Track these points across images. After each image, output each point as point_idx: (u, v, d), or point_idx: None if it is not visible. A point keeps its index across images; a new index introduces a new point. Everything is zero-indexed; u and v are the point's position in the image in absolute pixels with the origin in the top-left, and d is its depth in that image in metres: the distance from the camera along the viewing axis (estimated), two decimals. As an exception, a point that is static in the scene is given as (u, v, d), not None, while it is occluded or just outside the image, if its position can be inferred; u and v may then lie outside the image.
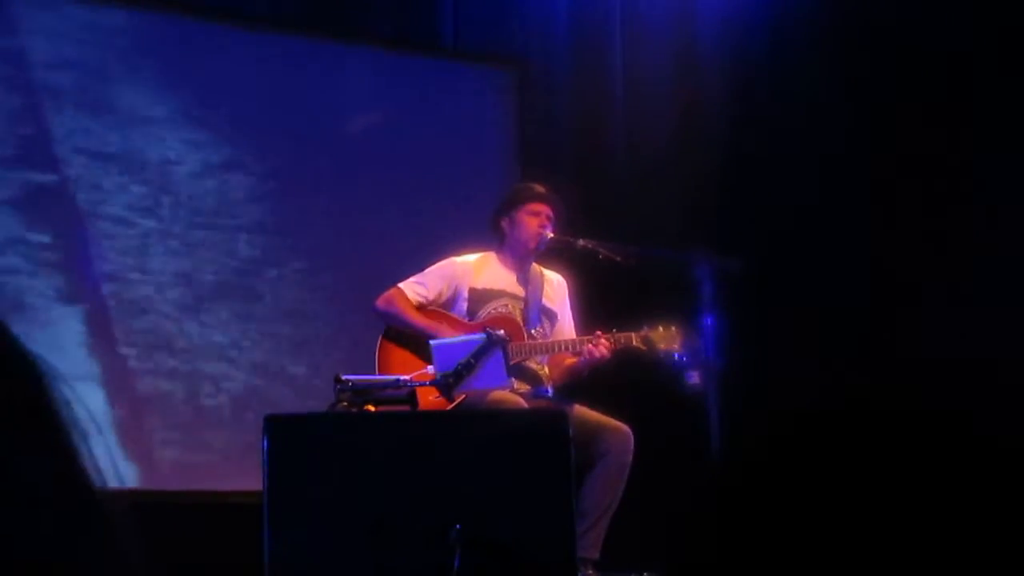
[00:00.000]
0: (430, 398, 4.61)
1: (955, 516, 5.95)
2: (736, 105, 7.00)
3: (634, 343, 5.01)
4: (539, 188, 5.25)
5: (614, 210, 6.70)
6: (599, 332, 5.01)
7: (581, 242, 5.14)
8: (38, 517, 0.78)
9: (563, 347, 5.10)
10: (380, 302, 5.13)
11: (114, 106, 6.06)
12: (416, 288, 5.12)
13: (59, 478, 0.81)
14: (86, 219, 5.93)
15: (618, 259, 5.13)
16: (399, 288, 5.13)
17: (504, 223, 5.24)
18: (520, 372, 5.03)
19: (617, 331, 5.02)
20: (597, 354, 4.94)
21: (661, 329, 5.02)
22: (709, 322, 4.85)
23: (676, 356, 4.96)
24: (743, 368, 5.50)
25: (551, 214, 5.18)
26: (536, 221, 5.16)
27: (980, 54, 6.13)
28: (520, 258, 5.23)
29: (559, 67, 7.15)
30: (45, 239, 5.83)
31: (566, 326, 5.29)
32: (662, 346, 4.99)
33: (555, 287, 5.32)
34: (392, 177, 6.69)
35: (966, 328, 5.93)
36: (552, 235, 5.15)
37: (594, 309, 5.56)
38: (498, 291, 5.16)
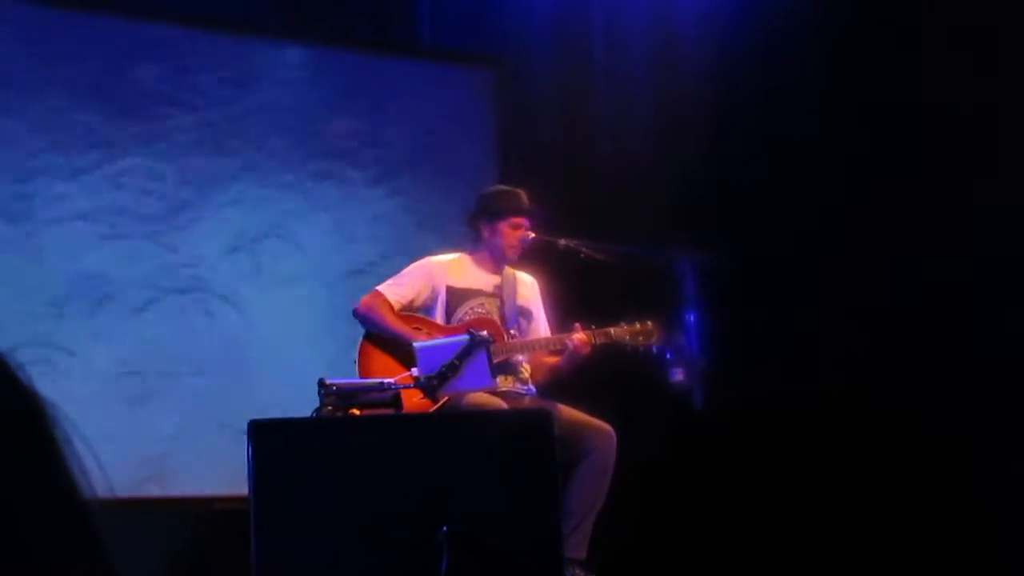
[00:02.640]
0: (415, 400, 4.61)
1: (946, 514, 5.98)
2: (717, 102, 7.01)
3: (613, 337, 5.04)
4: (524, 201, 5.25)
5: (596, 209, 6.70)
6: (578, 325, 5.04)
7: (563, 242, 5.15)
8: (32, 531, 0.78)
9: (544, 344, 5.12)
10: (361, 307, 5.13)
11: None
12: (395, 290, 5.13)
13: (52, 492, 0.81)
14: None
15: (600, 258, 5.15)
16: (379, 291, 5.13)
17: (485, 228, 5.24)
18: (503, 370, 5.04)
19: (596, 327, 5.05)
20: (576, 347, 4.97)
21: (637, 325, 5.05)
22: (692, 319, 4.86)
23: (654, 351, 4.98)
24: (726, 365, 5.51)
25: (530, 227, 5.20)
26: (517, 234, 5.18)
27: (967, 52, 6.15)
28: (496, 262, 5.25)
29: (539, 66, 7.15)
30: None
31: (541, 324, 5.32)
32: (640, 340, 5.02)
33: (528, 287, 5.34)
34: (372, 178, 6.69)
35: (952, 325, 5.96)
36: (534, 235, 5.16)
37: (577, 308, 5.56)
38: (475, 290, 5.18)
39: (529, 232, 5.18)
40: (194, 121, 6.30)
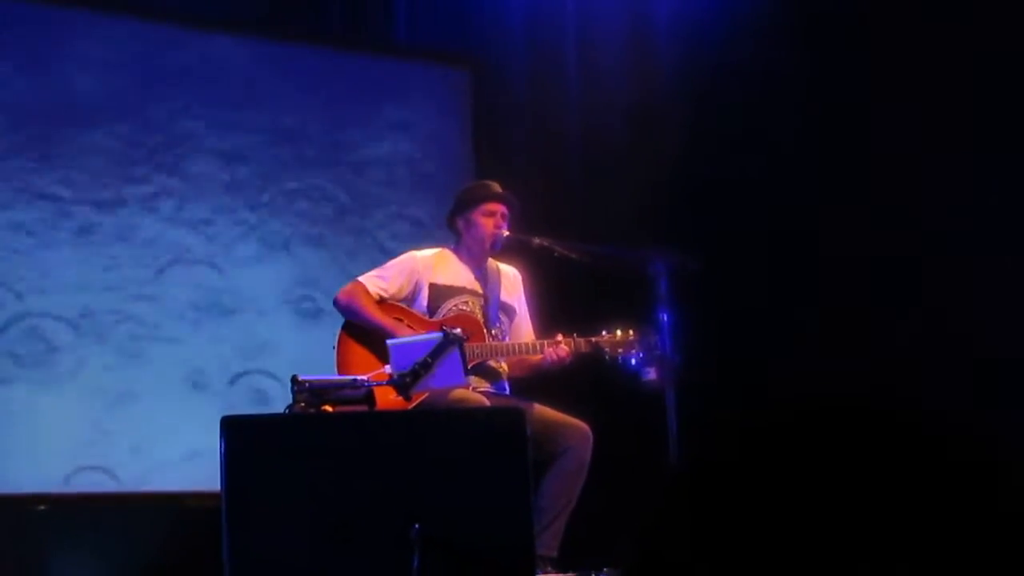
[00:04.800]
0: (390, 397, 4.61)
1: (918, 515, 6.00)
2: (691, 101, 7.03)
3: (595, 347, 5.03)
4: (493, 187, 5.27)
5: (570, 208, 6.71)
6: (559, 336, 5.03)
7: (537, 240, 5.15)
8: None
9: (523, 350, 5.11)
10: (341, 296, 5.12)
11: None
12: (377, 282, 5.12)
13: None
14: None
15: (574, 257, 5.15)
16: (360, 282, 5.12)
17: (460, 223, 5.25)
18: (479, 370, 5.04)
19: (577, 335, 5.04)
20: (556, 358, 4.97)
21: (619, 334, 5.04)
22: (665, 319, 4.87)
23: (632, 359, 4.99)
24: (699, 364, 5.52)
25: (506, 212, 5.20)
26: (491, 221, 5.17)
27: (935, 51, 6.18)
28: (477, 256, 5.25)
29: (514, 65, 7.16)
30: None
31: (524, 320, 5.31)
32: (620, 351, 5.02)
33: (512, 280, 5.34)
34: (348, 176, 6.68)
35: (924, 325, 5.99)
36: (508, 234, 5.16)
37: (550, 307, 5.57)
38: (458, 288, 5.17)
39: (504, 221, 5.18)
40: (164, 117, 6.29)
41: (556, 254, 5.15)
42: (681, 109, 7.04)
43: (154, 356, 6.08)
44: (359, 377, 4.48)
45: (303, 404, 4.18)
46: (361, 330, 5.04)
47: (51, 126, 6.01)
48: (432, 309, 5.10)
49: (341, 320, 5.11)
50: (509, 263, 5.40)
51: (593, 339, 5.05)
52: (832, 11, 6.54)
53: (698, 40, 7.06)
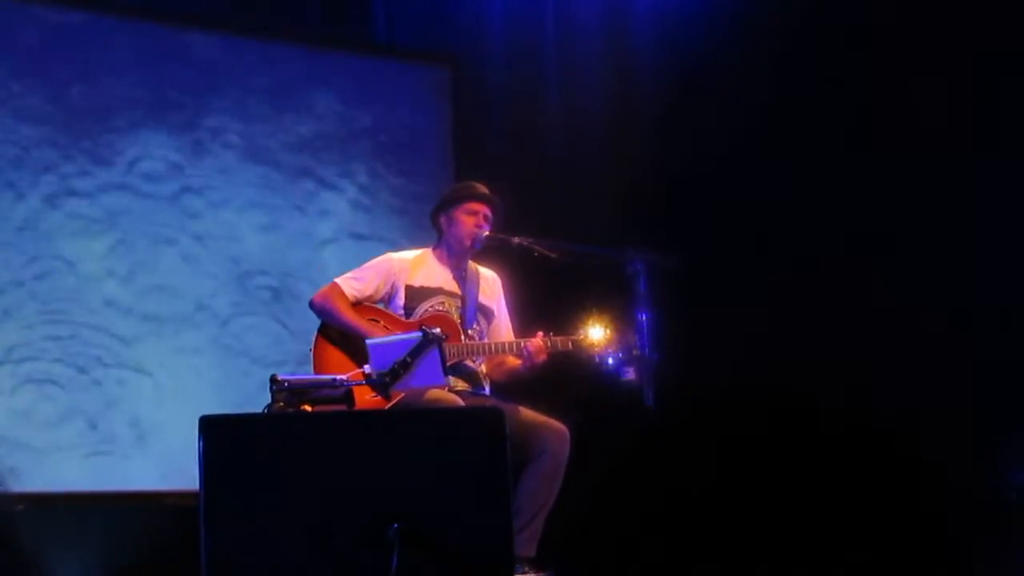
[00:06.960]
0: (367, 397, 4.61)
1: (889, 510, 6.04)
2: (669, 101, 7.05)
3: (570, 347, 5.04)
4: (478, 188, 5.28)
5: (549, 207, 6.72)
6: (539, 333, 5.04)
7: (516, 239, 5.16)
8: None
9: (500, 349, 5.12)
10: (317, 298, 5.13)
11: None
12: (353, 284, 5.12)
13: None
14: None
15: (553, 256, 5.15)
16: (336, 284, 5.13)
17: (442, 221, 5.27)
18: (457, 371, 5.04)
19: (554, 334, 5.04)
20: (531, 351, 4.97)
21: (595, 333, 5.04)
22: (644, 318, 4.88)
23: (610, 359, 4.99)
24: (678, 364, 5.55)
25: (488, 214, 5.21)
26: (473, 220, 5.18)
27: (910, 51, 6.21)
28: (457, 256, 5.25)
29: (493, 64, 7.17)
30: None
31: (502, 323, 5.32)
32: (596, 350, 5.02)
33: (490, 284, 5.34)
34: (326, 175, 6.68)
35: (898, 327, 6.02)
36: (488, 233, 5.17)
37: (530, 306, 5.58)
38: (435, 289, 5.17)
39: (486, 222, 5.18)
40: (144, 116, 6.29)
41: (536, 253, 5.16)
42: (659, 107, 7.06)
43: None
44: (338, 376, 4.48)
45: (282, 404, 4.18)
46: (337, 332, 5.05)
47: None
48: (408, 310, 5.11)
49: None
50: (490, 263, 5.41)
51: (571, 339, 5.06)
52: (810, 13, 6.56)
53: (677, 38, 7.07)
